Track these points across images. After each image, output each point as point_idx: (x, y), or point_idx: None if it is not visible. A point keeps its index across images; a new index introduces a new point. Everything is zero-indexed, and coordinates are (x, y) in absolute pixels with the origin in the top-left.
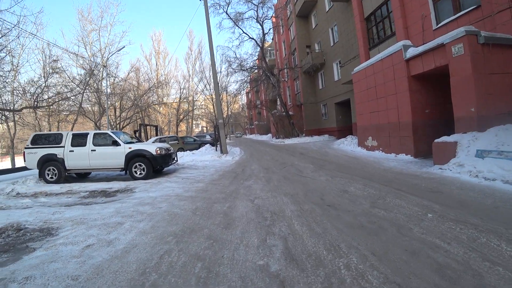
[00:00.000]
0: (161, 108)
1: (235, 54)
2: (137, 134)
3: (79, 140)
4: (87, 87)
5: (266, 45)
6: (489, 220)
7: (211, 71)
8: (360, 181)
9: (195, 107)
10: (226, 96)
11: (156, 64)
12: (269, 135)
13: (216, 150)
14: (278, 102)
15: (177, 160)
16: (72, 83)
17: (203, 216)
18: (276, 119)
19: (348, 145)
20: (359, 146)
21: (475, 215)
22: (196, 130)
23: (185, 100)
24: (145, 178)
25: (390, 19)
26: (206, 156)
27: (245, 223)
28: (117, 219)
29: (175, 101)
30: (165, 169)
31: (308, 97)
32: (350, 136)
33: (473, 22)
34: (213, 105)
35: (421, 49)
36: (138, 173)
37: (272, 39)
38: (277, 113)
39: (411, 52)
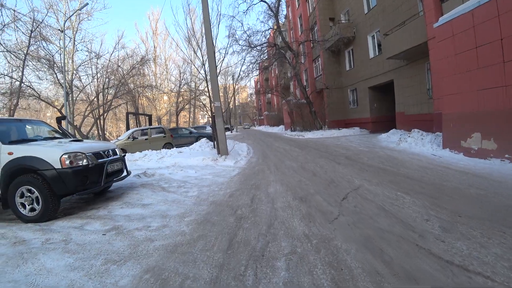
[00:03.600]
0: (161, 98)
1: (242, 25)
2: (62, 125)
3: None
4: (34, 57)
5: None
6: None
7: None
8: None
9: (198, 94)
10: (233, 85)
11: (154, 47)
12: (281, 126)
13: (214, 147)
14: (292, 89)
15: (127, 172)
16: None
17: None
18: (292, 108)
19: (417, 143)
20: (446, 148)
21: None
22: (202, 122)
23: (186, 86)
24: (39, 219)
25: None
26: (195, 157)
27: None
28: None
29: (173, 90)
30: (114, 186)
31: (332, 81)
32: (416, 130)
33: None
34: (206, 81)
35: None
36: (28, 208)
37: (286, 17)
38: (292, 101)
39: None
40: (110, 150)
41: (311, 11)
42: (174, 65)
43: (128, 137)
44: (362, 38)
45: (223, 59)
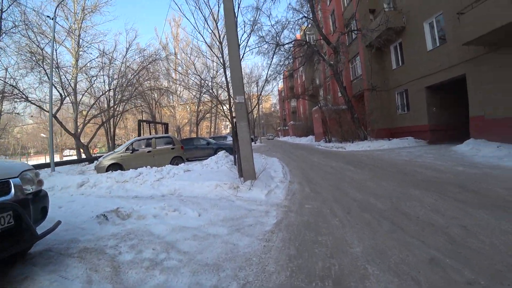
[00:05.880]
0: (180, 109)
1: (269, 17)
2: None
3: None
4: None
5: (303, 28)
6: None
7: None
8: None
9: (219, 103)
10: (257, 94)
11: (175, 53)
12: (310, 137)
13: (235, 164)
14: (322, 94)
15: (32, 236)
16: None
17: None
18: (328, 115)
19: None
20: None
21: None
22: (224, 132)
23: (206, 94)
24: None
25: None
26: (206, 181)
27: None
28: None
29: (195, 98)
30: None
31: (380, 81)
32: None
33: None
34: (224, 69)
35: None
36: None
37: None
38: (327, 107)
39: None
40: None
41: (345, 5)
42: (194, 72)
43: (127, 149)
44: (416, 27)
45: (248, 39)
